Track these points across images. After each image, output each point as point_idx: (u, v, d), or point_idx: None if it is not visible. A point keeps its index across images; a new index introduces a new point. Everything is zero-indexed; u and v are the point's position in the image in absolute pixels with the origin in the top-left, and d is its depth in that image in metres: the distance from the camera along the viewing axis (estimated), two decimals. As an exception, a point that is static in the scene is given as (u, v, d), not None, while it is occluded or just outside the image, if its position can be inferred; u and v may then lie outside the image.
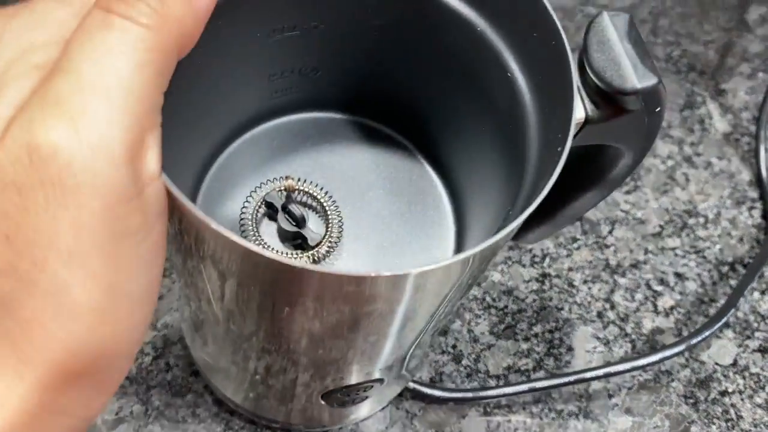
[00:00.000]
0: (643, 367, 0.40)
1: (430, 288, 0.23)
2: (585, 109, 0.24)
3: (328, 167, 0.33)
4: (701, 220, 0.51)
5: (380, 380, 0.32)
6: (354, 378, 0.31)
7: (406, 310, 0.24)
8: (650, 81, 0.23)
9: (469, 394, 0.40)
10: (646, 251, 0.48)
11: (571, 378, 0.39)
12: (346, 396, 0.32)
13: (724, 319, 0.43)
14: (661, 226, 0.50)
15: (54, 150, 0.17)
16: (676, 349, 0.41)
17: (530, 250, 0.48)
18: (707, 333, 0.41)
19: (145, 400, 0.39)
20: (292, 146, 0.33)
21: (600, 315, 0.45)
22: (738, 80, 0.60)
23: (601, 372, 0.40)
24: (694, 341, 0.41)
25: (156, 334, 0.42)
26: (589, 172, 0.31)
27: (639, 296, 0.46)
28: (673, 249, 0.49)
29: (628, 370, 0.40)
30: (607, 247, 0.48)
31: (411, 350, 0.31)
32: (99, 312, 0.18)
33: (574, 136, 0.24)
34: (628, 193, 0.52)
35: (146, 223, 0.19)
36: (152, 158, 0.19)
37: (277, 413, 0.36)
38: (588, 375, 0.39)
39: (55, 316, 0.18)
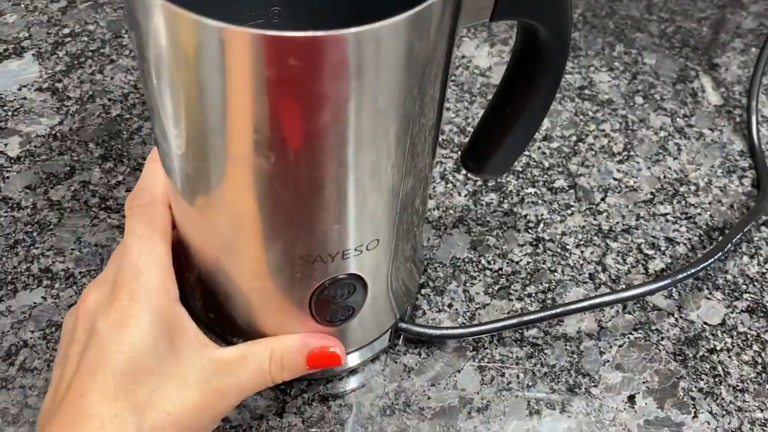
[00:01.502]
0: (626, 300, 0.42)
1: (380, 62, 0.24)
2: None
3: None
4: (692, 187, 0.52)
5: (375, 241, 0.32)
6: (347, 242, 0.31)
7: (363, 98, 0.24)
8: None
9: (461, 330, 0.41)
10: (638, 217, 0.50)
11: (558, 310, 0.41)
12: (334, 301, 0.34)
13: (707, 263, 0.45)
14: (652, 194, 0.51)
15: None
16: (660, 283, 0.42)
17: (525, 216, 0.49)
18: (690, 272, 0.43)
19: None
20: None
21: (592, 277, 0.46)
22: (731, 55, 0.62)
23: (585, 303, 0.41)
24: (680, 276, 0.43)
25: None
26: (524, 71, 0.35)
27: (630, 259, 0.47)
28: (665, 215, 0.50)
29: (612, 302, 0.42)
30: (600, 213, 0.50)
31: (398, 208, 0.32)
32: None
33: (494, 8, 0.29)
34: (620, 162, 0.53)
35: None
36: None
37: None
38: (573, 307, 0.41)
39: None
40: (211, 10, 0.30)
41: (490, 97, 0.56)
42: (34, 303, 0.42)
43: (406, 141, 0.29)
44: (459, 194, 0.50)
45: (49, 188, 0.48)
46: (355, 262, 0.33)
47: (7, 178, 0.48)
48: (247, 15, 0.35)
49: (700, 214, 0.50)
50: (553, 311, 0.41)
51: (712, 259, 0.45)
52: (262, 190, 0.28)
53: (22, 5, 0.59)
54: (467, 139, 0.53)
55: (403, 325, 0.41)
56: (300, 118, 0.25)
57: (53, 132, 0.51)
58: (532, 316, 0.41)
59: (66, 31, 0.58)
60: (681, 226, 0.50)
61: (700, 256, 0.48)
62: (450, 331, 0.42)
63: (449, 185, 0.51)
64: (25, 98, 0.53)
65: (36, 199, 0.47)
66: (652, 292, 0.43)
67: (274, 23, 0.35)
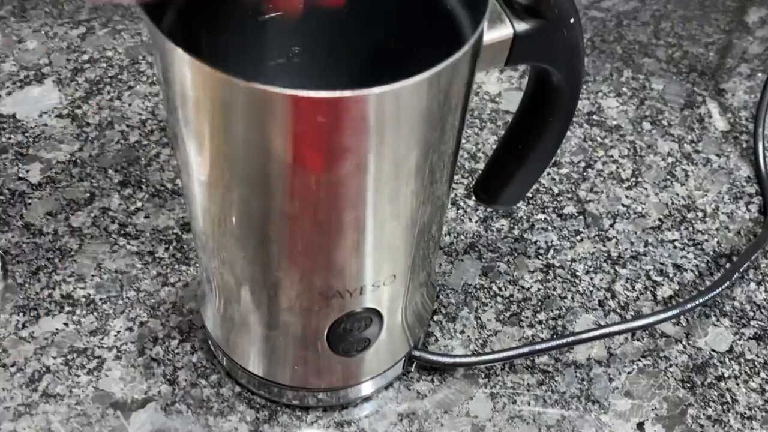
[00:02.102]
0: (637, 329, 0.43)
1: (401, 117, 0.25)
2: (512, 25, 0.29)
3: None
4: (700, 214, 0.53)
5: (392, 276, 0.33)
6: (364, 278, 0.32)
7: (381, 151, 0.25)
8: None
9: (473, 359, 0.42)
10: (646, 243, 0.51)
11: (569, 339, 0.42)
12: (350, 334, 0.35)
13: (715, 291, 0.46)
14: (660, 220, 0.52)
15: None
16: (669, 313, 0.43)
17: (535, 242, 0.50)
18: (699, 301, 0.44)
19: (172, 381, 0.42)
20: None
21: (601, 303, 0.47)
22: (737, 80, 0.63)
23: (596, 333, 0.42)
24: (689, 306, 0.44)
25: (182, 319, 0.44)
26: (536, 110, 0.36)
27: (639, 286, 0.48)
28: (672, 241, 0.51)
29: (621, 332, 0.43)
30: (609, 239, 0.51)
31: (413, 247, 0.33)
32: None
33: (509, 55, 0.30)
34: (629, 188, 0.54)
35: None
36: None
37: (291, 377, 0.38)
38: (584, 336, 0.42)
39: None
40: (234, 52, 0.31)
41: (500, 122, 0.57)
42: (56, 329, 0.43)
43: (424, 179, 0.30)
44: (470, 220, 0.51)
45: (69, 214, 0.49)
46: (372, 296, 0.34)
47: (29, 204, 0.49)
48: (269, 54, 0.36)
49: (707, 240, 0.51)
50: (564, 340, 0.42)
51: (720, 288, 0.46)
52: (283, 231, 0.29)
53: (42, 32, 0.60)
54: (477, 165, 0.54)
55: (417, 353, 0.42)
56: (321, 168, 0.26)
57: (73, 158, 0.52)
58: (543, 345, 0.42)
59: (85, 57, 0.59)
60: (688, 252, 0.50)
61: (708, 283, 0.49)
62: (462, 359, 0.43)
63: (460, 211, 0.52)
64: (45, 124, 0.54)
65: (57, 226, 0.48)
66: (660, 322, 0.44)
67: (295, 63, 0.36)
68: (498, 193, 0.41)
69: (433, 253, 0.37)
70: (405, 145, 0.27)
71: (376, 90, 0.23)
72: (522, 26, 0.30)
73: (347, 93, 0.23)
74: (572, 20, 0.30)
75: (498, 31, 0.30)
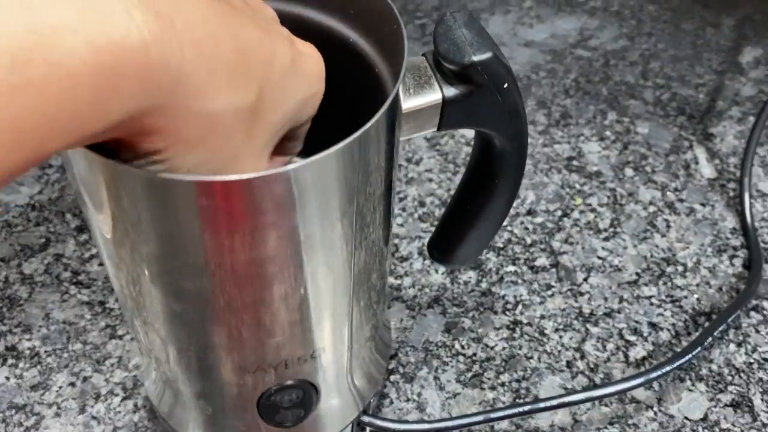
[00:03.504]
0: (599, 398, 0.41)
1: (316, 190, 0.24)
2: (441, 90, 0.28)
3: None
4: (680, 268, 0.50)
5: (313, 354, 0.32)
6: (285, 354, 0.30)
7: (299, 226, 0.24)
8: (485, 54, 0.27)
9: (426, 426, 0.40)
10: (621, 299, 0.48)
11: (526, 408, 0.40)
12: (281, 406, 0.33)
13: (687, 357, 0.43)
14: (638, 274, 0.50)
15: None
16: (634, 382, 0.41)
17: (503, 297, 0.48)
18: (668, 368, 0.42)
19: (110, 442, 0.40)
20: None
21: (569, 365, 0.45)
22: (727, 124, 0.60)
23: (555, 402, 0.40)
24: (654, 375, 0.41)
25: (126, 375, 0.43)
26: (484, 173, 0.35)
27: (611, 346, 0.46)
28: (649, 298, 0.49)
29: (584, 401, 0.40)
30: (582, 294, 0.48)
31: (349, 308, 0.31)
32: None
33: (441, 119, 0.29)
34: (606, 239, 0.51)
35: None
36: None
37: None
38: (542, 405, 0.40)
39: None
40: None
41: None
42: (-3, 384, 0.42)
43: (349, 240, 0.28)
44: (436, 272, 0.49)
45: (23, 260, 0.48)
46: (301, 368, 0.32)
47: (-18, 249, 0.48)
48: None
49: (686, 297, 0.49)
50: (524, 408, 0.40)
51: (697, 350, 0.43)
52: (193, 307, 0.27)
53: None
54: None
55: (366, 419, 0.40)
56: (236, 248, 0.24)
57: (32, 202, 0.51)
58: (503, 413, 0.40)
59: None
60: (666, 310, 0.48)
61: (685, 344, 0.46)
62: (416, 426, 0.40)
63: (426, 261, 0.49)
64: (7, 165, 0.53)
65: (9, 272, 0.47)
66: (629, 390, 0.41)
67: None
68: (451, 252, 0.39)
69: (377, 303, 0.35)
70: (320, 215, 0.25)
71: (282, 170, 0.22)
72: (452, 91, 0.28)
73: (247, 176, 0.21)
74: (506, 85, 0.28)
75: (425, 96, 0.28)
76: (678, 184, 0.55)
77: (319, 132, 0.31)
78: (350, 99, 0.29)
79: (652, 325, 0.47)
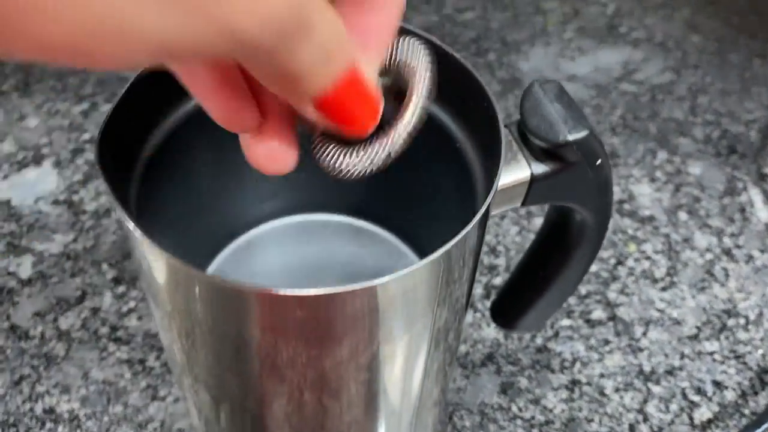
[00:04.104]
0: None
1: (403, 304, 0.22)
2: (529, 167, 0.26)
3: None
4: (741, 321, 0.48)
5: None
6: None
7: (378, 336, 0.23)
8: (581, 133, 0.25)
9: None
10: (682, 355, 0.46)
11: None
12: None
13: (762, 428, 0.41)
14: (698, 327, 0.48)
15: None
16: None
17: (559, 354, 0.46)
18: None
19: None
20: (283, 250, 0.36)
21: (632, 428, 0.43)
22: (782, 164, 0.58)
23: None
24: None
25: (170, 441, 0.41)
26: (559, 242, 0.33)
27: (674, 407, 0.44)
28: (711, 353, 0.46)
29: None
30: (641, 350, 0.46)
31: (413, 409, 0.29)
32: None
33: (526, 196, 0.27)
34: (663, 290, 0.49)
35: None
36: None
37: None
38: None
39: None
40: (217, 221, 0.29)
41: (522, 212, 0.53)
42: (35, 451, 0.40)
43: (429, 346, 0.26)
44: (488, 325, 0.47)
45: (59, 315, 0.46)
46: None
47: (17, 303, 0.46)
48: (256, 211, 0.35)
49: (750, 352, 0.47)
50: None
51: None
52: (261, 409, 0.25)
53: (45, 108, 0.58)
54: (497, 260, 0.49)
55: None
56: (302, 361, 0.22)
57: (66, 251, 0.49)
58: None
59: (86, 136, 0.56)
60: (730, 367, 0.46)
61: (752, 404, 0.44)
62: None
63: (477, 314, 0.47)
64: (40, 211, 0.51)
65: (45, 328, 0.45)
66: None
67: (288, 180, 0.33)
68: (516, 319, 0.37)
69: (449, 365, 0.33)
70: (400, 324, 0.23)
71: (367, 284, 0.20)
72: (541, 168, 0.26)
73: (342, 288, 0.19)
74: (599, 161, 0.26)
75: (512, 174, 0.26)
76: (734, 229, 0.53)
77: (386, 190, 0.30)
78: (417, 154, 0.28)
79: (716, 384, 0.45)
